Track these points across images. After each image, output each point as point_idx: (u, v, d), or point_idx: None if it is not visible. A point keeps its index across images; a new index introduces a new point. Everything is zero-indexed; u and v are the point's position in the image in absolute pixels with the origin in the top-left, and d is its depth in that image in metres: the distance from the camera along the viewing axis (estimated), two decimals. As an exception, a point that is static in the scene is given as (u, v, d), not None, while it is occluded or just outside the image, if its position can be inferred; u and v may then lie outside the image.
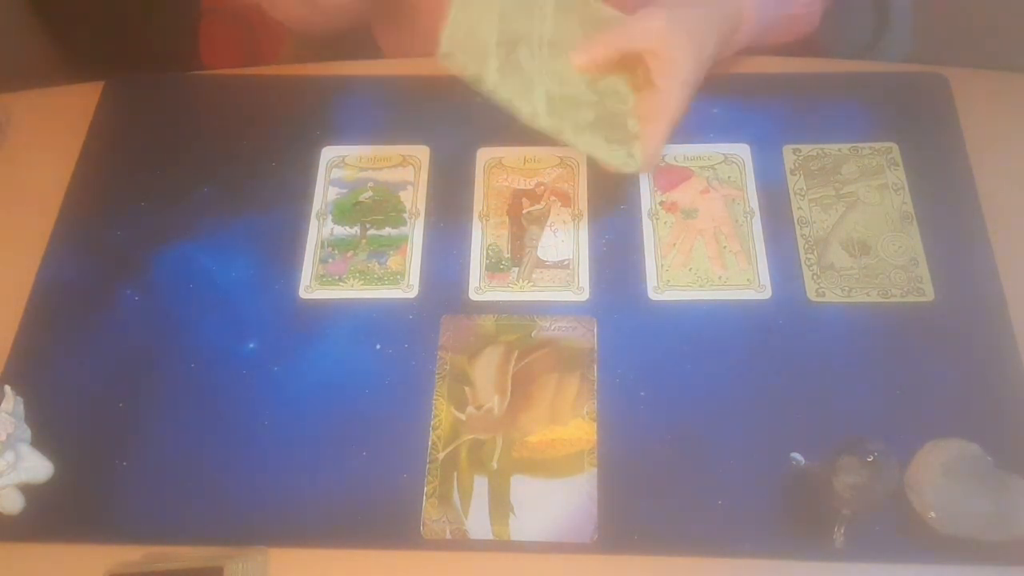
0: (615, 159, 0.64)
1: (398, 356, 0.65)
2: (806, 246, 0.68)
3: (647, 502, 0.59)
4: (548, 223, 0.71)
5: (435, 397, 0.63)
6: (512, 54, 0.62)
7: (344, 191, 0.74)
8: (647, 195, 0.72)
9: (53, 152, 0.77)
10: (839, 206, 0.70)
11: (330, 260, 0.70)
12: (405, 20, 0.85)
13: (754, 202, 0.71)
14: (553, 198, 0.72)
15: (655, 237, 0.70)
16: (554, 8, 0.64)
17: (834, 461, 0.56)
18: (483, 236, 0.71)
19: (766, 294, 0.66)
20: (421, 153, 0.75)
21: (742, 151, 0.73)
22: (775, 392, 0.62)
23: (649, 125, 0.63)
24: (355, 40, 0.95)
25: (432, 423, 0.62)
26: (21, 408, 0.62)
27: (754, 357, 0.64)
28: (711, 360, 0.64)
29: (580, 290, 0.67)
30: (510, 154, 0.74)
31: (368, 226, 0.72)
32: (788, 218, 0.70)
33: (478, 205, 0.72)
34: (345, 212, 0.72)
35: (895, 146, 0.72)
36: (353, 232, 0.72)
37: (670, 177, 0.72)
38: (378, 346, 0.66)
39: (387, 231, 0.71)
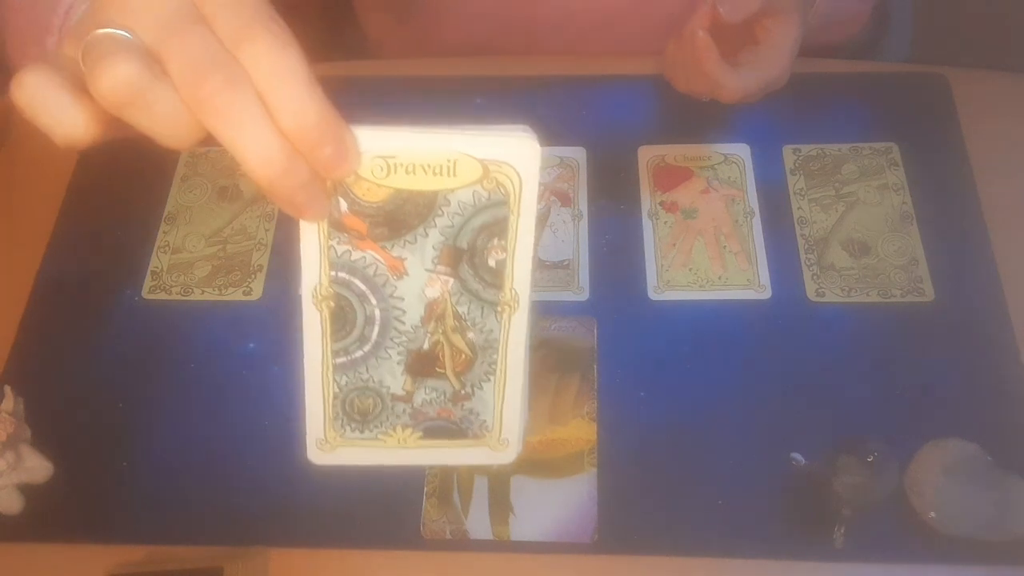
0: None
1: (398, 356, 0.65)
2: (806, 246, 0.68)
3: (647, 502, 0.59)
4: (548, 223, 0.71)
5: (435, 397, 0.63)
6: None
7: (344, 191, 0.73)
8: (647, 195, 0.72)
9: (53, 152, 0.77)
10: (839, 206, 0.70)
11: (330, 260, 0.70)
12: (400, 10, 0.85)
13: (754, 202, 0.71)
14: (553, 198, 0.72)
15: (655, 237, 0.70)
16: None
17: (834, 461, 0.56)
18: (483, 236, 0.70)
19: (766, 294, 0.66)
20: (421, 153, 0.75)
21: (742, 151, 0.73)
22: (775, 392, 0.62)
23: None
24: (356, 40, 0.95)
25: (432, 423, 0.62)
26: (21, 408, 0.62)
27: (754, 357, 0.64)
28: (711, 360, 0.64)
29: (580, 290, 0.67)
30: (510, 154, 0.74)
31: (368, 226, 0.72)
32: (788, 218, 0.70)
33: (478, 205, 0.72)
34: (345, 212, 0.72)
35: (895, 146, 0.72)
36: (353, 232, 0.71)
37: (670, 177, 0.72)
38: (378, 346, 0.66)
39: (387, 231, 0.71)
